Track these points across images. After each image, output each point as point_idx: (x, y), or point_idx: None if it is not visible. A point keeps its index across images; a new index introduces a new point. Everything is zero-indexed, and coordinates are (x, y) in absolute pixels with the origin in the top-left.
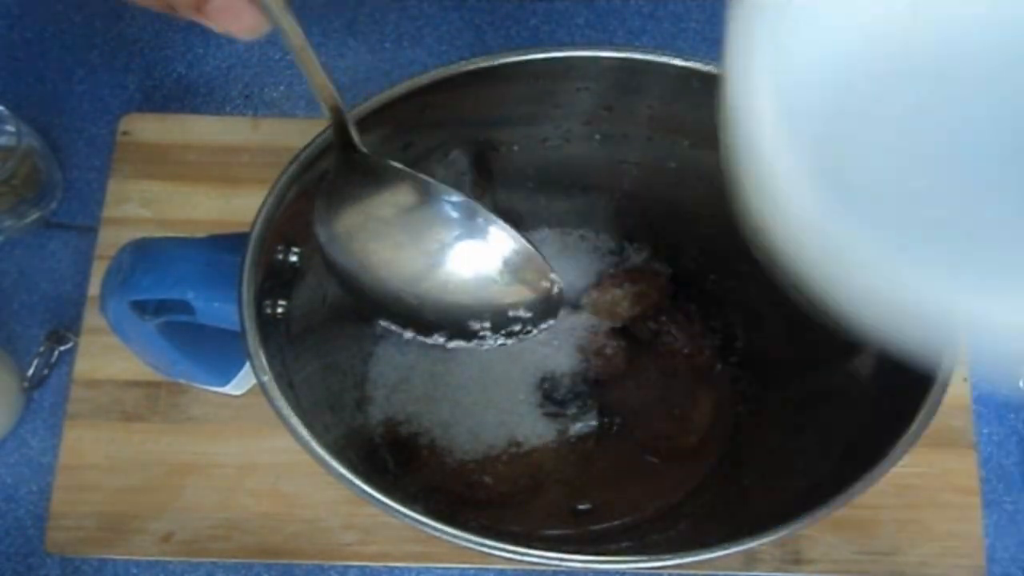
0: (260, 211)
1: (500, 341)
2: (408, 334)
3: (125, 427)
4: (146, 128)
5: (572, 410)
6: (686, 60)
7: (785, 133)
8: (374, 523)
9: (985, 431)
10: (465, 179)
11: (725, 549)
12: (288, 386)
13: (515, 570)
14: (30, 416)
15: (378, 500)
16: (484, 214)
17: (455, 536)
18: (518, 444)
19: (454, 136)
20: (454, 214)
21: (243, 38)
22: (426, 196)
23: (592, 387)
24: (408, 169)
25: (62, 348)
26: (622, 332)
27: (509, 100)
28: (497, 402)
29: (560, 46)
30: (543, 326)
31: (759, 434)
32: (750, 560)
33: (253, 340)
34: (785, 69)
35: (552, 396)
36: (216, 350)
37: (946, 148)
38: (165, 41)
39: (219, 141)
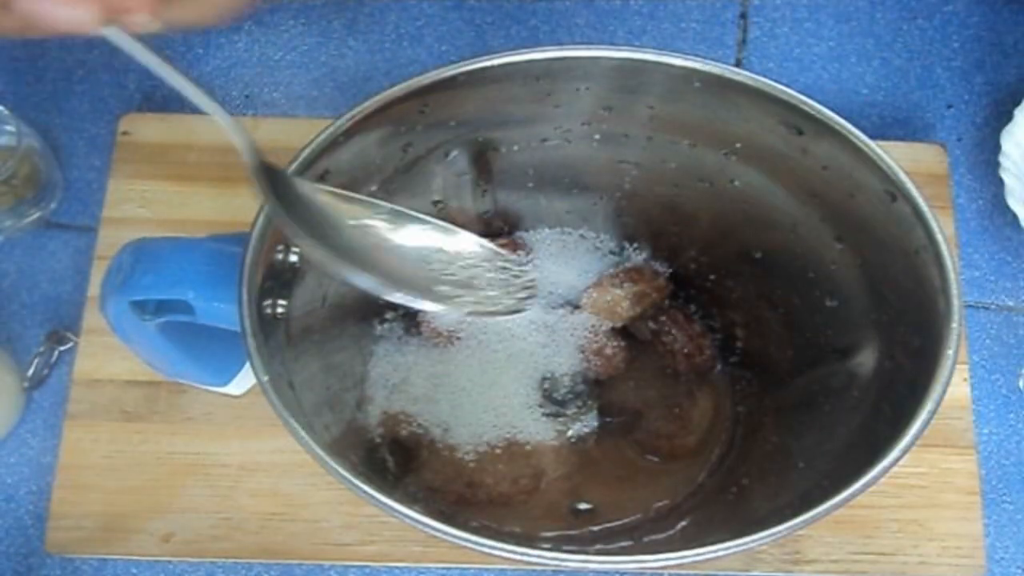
0: (260, 211)
1: (470, 308)
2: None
3: (125, 427)
4: (146, 128)
5: (572, 410)
6: (686, 60)
7: None
8: (374, 523)
9: (985, 431)
10: (465, 179)
11: (725, 549)
12: (288, 386)
13: (515, 570)
14: (30, 416)
15: (378, 500)
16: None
17: (455, 536)
18: (518, 444)
19: (454, 136)
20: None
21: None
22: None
23: (592, 387)
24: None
25: (62, 348)
26: (622, 332)
27: (509, 100)
28: (497, 402)
29: (560, 46)
30: (520, 295)
31: (759, 434)
32: (750, 560)
33: (253, 340)
34: None
35: (552, 396)
36: (216, 350)
37: None
38: (165, 41)
39: (219, 141)
